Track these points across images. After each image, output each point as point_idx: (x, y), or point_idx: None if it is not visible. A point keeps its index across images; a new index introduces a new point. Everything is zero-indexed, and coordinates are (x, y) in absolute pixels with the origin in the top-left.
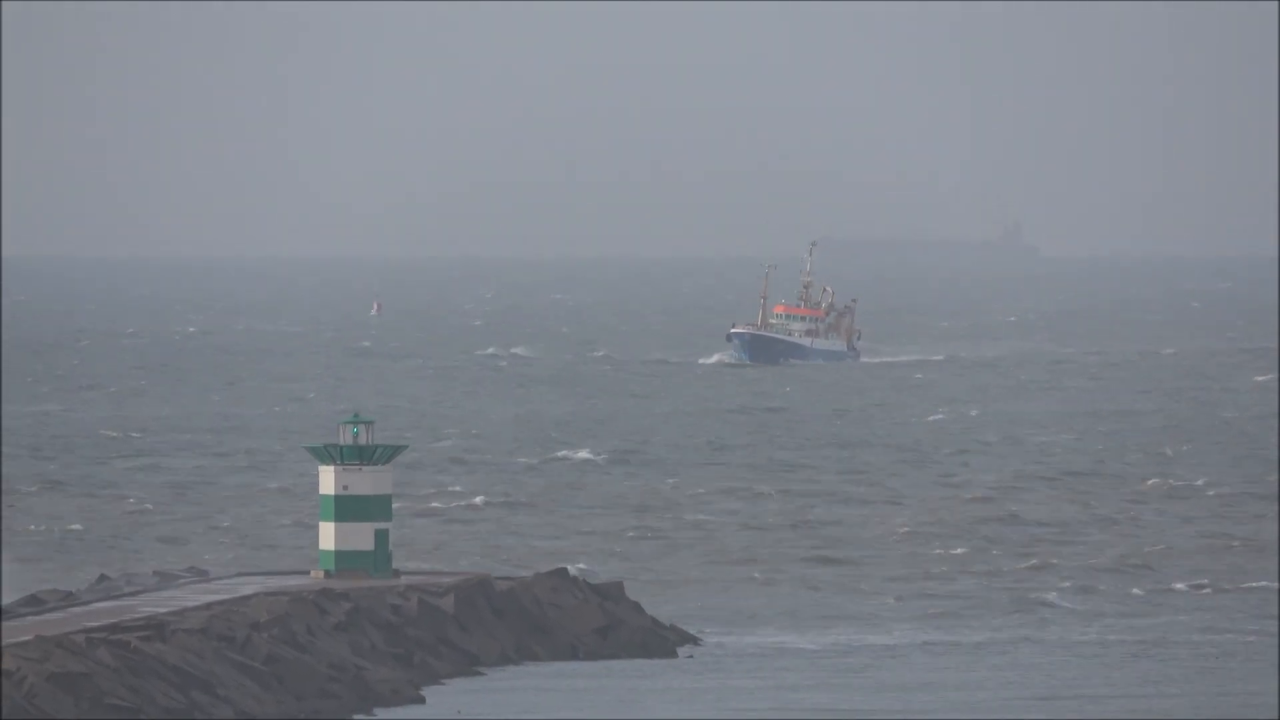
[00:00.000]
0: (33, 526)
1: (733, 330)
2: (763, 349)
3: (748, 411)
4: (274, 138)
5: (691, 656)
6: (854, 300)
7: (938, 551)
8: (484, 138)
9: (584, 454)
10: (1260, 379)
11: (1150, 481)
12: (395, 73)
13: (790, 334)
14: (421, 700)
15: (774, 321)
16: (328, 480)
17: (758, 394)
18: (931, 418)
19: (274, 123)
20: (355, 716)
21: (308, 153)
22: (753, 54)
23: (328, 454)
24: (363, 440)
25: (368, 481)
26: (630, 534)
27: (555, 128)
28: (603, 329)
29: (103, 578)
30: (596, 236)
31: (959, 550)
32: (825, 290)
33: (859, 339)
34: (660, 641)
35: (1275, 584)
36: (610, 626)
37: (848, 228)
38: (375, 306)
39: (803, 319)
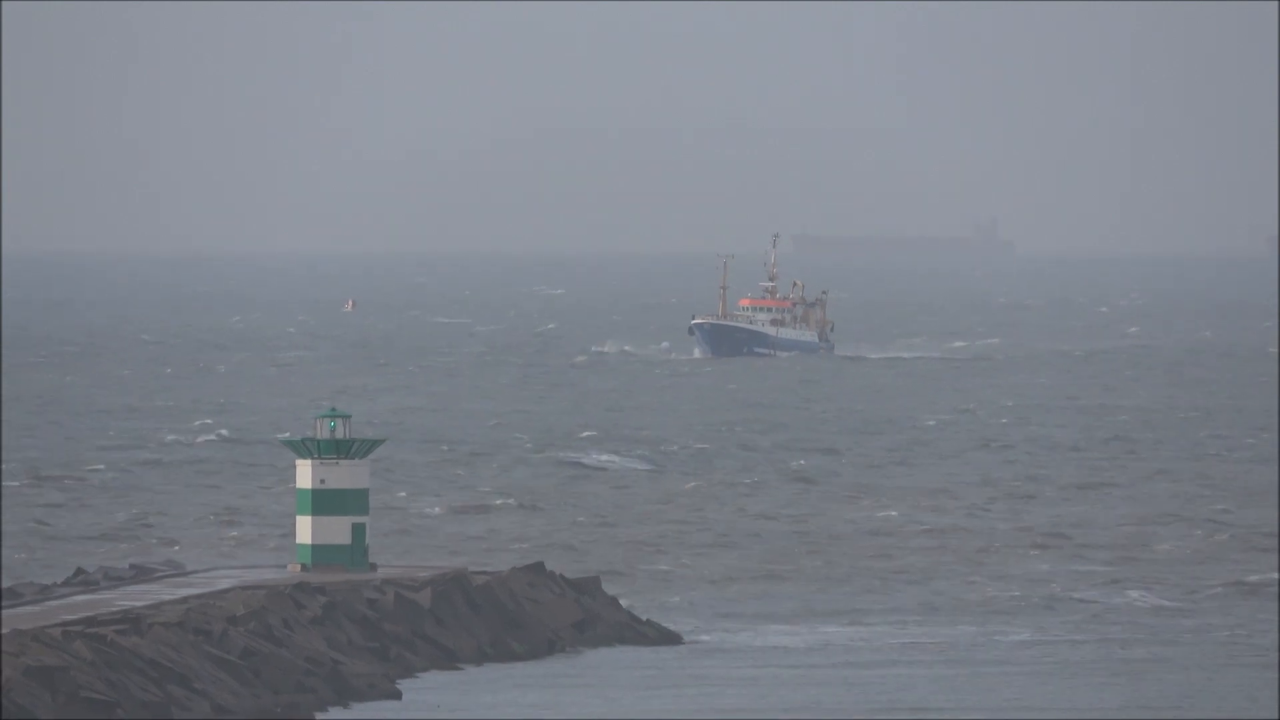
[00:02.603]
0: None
1: (694, 322)
2: (725, 339)
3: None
4: (272, 136)
5: (671, 651)
6: (825, 292)
7: (943, 549)
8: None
9: (583, 447)
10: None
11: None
12: (390, 73)
13: (754, 324)
14: (397, 694)
15: (739, 314)
16: (305, 474)
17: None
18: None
19: (275, 125)
20: (331, 710)
21: (297, 151)
22: (733, 52)
23: (305, 448)
24: (340, 434)
25: (345, 475)
26: (616, 529)
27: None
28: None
29: (79, 571)
30: (566, 232)
31: (969, 551)
32: (795, 284)
33: (832, 330)
34: (638, 636)
35: None
36: (587, 621)
37: (824, 224)
38: (349, 304)
39: (768, 310)
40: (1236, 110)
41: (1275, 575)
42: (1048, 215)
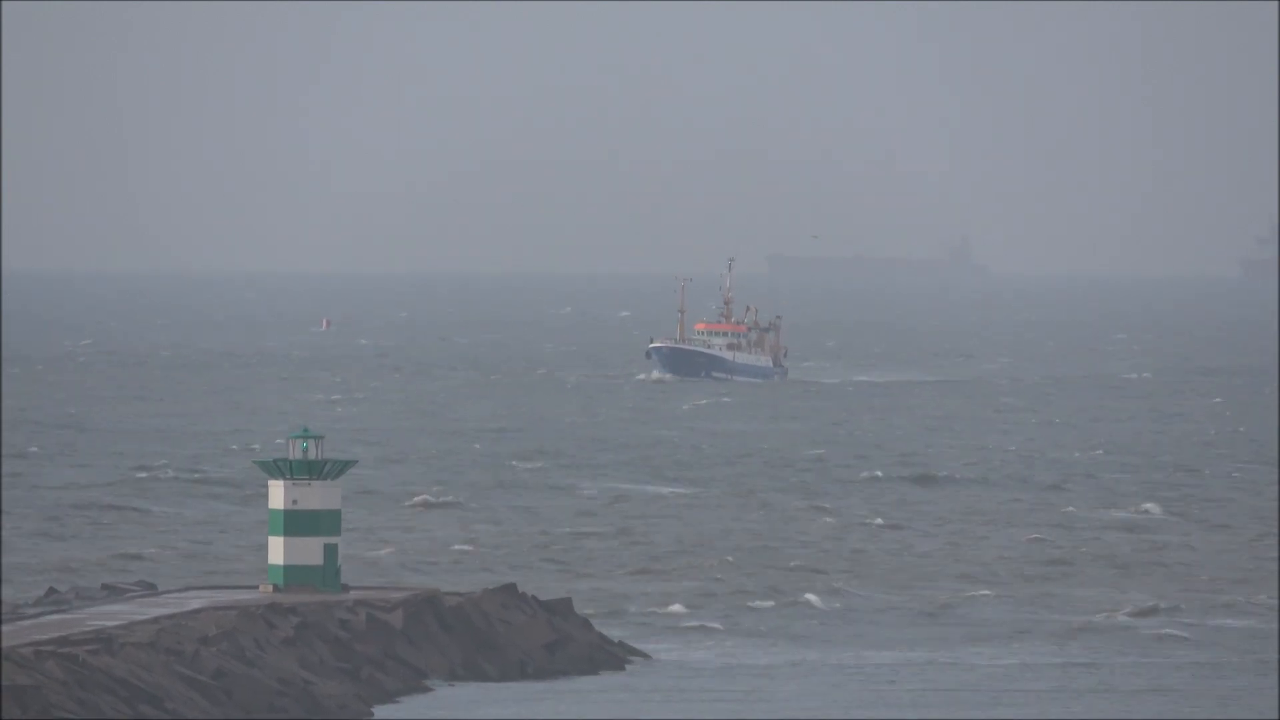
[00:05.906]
0: None
1: (651, 345)
2: (683, 363)
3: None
4: (274, 149)
5: (640, 672)
6: (778, 317)
7: (918, 566)
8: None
9: (540, 465)
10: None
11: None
12: (389, 74)
13: (710, 348)
14: (370, 715)
15: (695, 338)
16: (277, 495)
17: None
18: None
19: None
20: None
21: (295, 154)
22: (706, 67)
23: (277, 469)
24: (312, 455)
25: (317, 496)
26: (584, 546)
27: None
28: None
29: (51, 591)
30: (565, 237)
31: (950, 571)
32: (749, 308)
33: (786, 356)
34: (609, 657)
35: None
36: (559, 642)
37: (798, 244)
38: (324, 323)
39: (724, 334)
40: (1220, 128)
41: None
42: (1023, 237)
